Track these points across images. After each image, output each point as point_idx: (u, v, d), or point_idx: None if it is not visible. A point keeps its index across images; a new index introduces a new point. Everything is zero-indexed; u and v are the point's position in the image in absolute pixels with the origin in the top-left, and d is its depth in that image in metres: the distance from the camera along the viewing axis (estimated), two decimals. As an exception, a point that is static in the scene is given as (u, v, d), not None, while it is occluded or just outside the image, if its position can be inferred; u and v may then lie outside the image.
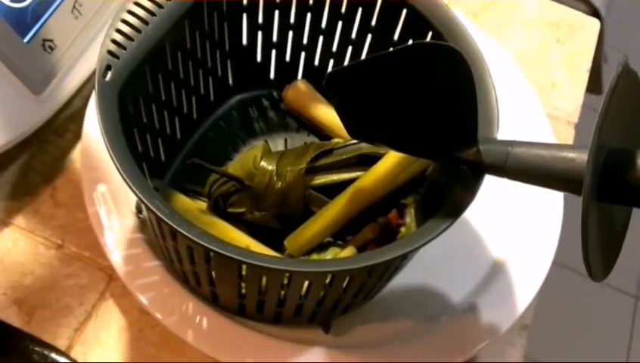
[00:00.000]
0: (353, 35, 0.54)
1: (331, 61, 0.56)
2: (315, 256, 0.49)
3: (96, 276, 0.52)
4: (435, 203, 0.43)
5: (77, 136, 0.56)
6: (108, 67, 0.43)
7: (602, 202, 0.34)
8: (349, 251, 0.48)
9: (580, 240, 0.33)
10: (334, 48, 0.55)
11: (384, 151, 0.49)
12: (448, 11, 0.48)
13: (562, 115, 0.64)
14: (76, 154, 0.57)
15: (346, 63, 0.56)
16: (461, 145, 0.40)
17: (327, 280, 0.42)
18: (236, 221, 0.50)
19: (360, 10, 0.52)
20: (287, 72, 0.58)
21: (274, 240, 0.49)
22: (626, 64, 0.33)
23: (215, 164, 0.53)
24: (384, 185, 0.49)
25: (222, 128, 0.58)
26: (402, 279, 0.50)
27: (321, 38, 0.55)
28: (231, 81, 0.58)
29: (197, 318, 0.48)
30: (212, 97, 0.57)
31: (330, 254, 0.49)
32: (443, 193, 0.42)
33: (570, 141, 0.63)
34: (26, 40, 0.51)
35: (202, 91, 0.55)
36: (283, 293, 0.44)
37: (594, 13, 0.73)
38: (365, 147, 0.50)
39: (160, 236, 0.44)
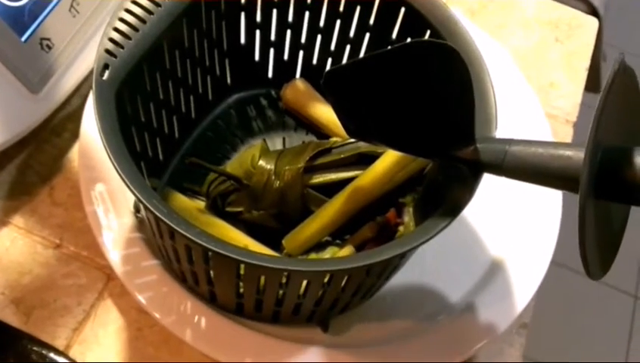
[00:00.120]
0: (351, 34, 0.54)
1: (329, 60, 0.56)
2: (313, 255, 0.49)
3: (94, 275, 0.51)
4: (433, 201, 0.42)
5: (75, 135, 0.56)
6: (106, 66, 0.43)
7: (600, 200, 0.34)
8: (347, 250, 0.48)
9: (578, 239, 0.33)
10: (332, 47, 0.55)
11: (382, 150, 0.49)
12: (446, 10, 0.48)
13: (561, 114, 0.64)
14: (74, 153, 0.56)
15: (344, 61, 0.56)
16: (458, 144, 0.40)
17: (326, 280, 0.42)
18: (234, 220, 0.50)
19: (358, 8, 0.52)
20: (285, 71, 0.58)
21: (272, 240, 0.49)
22: (623, 62, 0.33)
23: (214, 163, 0.53)
24: (383, 184, 0.49)
25: (220, 127, 0.57)
26: (400, 278, 0.50)
27: (319, 37, 0.55)
28: (229, 80, 0.58)
29: (196, 317, 0.48)
30: (210, 96, 0.57)
31: (328, 253, 0.49)
32: (442, 192, 0.42)
33: (568, 139, 0.63)
34: (23, 39, 0.51)
35: (200, 90, 0.55)
36: (281, 292, 0.44)
37: (593, 12, 0.74)
38: (364, 146, 0.50)
39: (158, 235, 0.44)
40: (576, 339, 1.27)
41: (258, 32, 0.56)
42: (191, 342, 0.47)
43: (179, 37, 0.49)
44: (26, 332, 0.49)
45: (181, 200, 0.51)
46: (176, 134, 0.54)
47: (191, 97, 0.54)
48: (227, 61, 0.57)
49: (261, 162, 0.50)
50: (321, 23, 0.54)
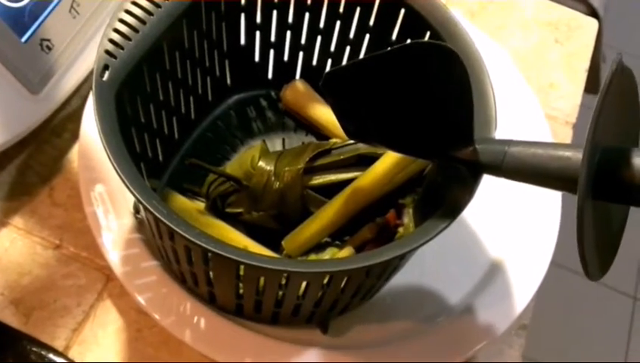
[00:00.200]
0: (351, 35, 0.54)
1: (329, 61, 0.56)
2: (313, 257, 0.49)
3: (94, 276, 0.51)
4: (433, 203, 0.42)
5: (75, 136, 0.56)
6: (106, 67, 0.43)
7: (598, 200, 0.34)
8: (347, 251, 0.48)
9: (577, 239, 0.33)
10: (332, 48, 0.55)
11: (382, 151, 0.49)
12: (446, 11, 0.48)
13: (560, 115, 0.64)
14: (74, 154, 0.56)
15: (344, 63, 0.56)
16: (457, 145, 0.40)
17: (325, 281, 0.42)
18: (234, 221, 0.50)
19: (358, 10, 0.52)
20: (285, 72, 0.58)
21: (272, 241, 0.49)
22: (620, 62, 0.33)
23: (213, 164, 0.53)
24: (382, 185, 0.49)
25: (220, 128, 0.57)
26: (400, 279, 0.50)
27: (319, 38, 0.55)
28: (229, 81, 0.58)
29: (195, 318, 0.48)
30: (210, 97, 0.57)
31: (328, 254, 0.49)
32: (441, 194, 0.42)
33: (568, 141, 0.63)
34: (23, 40, 0.51)
35: (200, 90, 0.55)
36: (281, 293, 0.44)
37: (593, 13, 0.73)
38: (363, 147, 0.50)
39: (157, 236, 0.44)
40: (576, 340, 1.27)
41: (258, 33, 0.56)
42: (190, 343, 0.47)
43: (179, 38, 0.49)
44: (25, 333, 0.49)
45: (180, 201, 0.51)
46: (176, 135, 0.54)
47: (191, 98, 0.54)
48: (227, 62, 0.57)
49: (261, 163, 0.50)
50: (321, 24, 0.54)
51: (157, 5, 0.46)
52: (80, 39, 0.55)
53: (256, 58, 0.58)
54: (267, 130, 0.58)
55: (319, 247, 0.50)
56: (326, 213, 0.49)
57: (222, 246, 0.38)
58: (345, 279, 0.43)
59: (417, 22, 0.48)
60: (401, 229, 0.49)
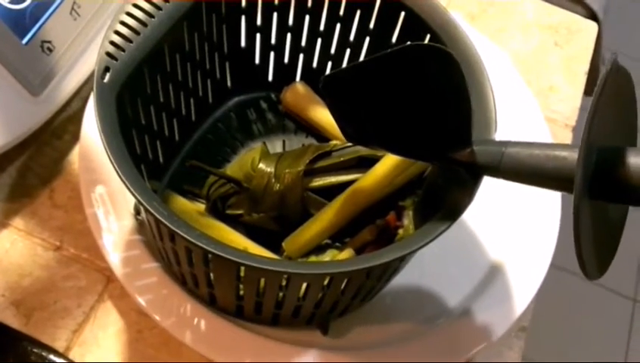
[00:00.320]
0: (351, 38, 0.54)
1: (329, 63, 0.56)
2: (313, 258, 0.49)
3: (94, 277, 0.52)
4: (433, 205, 0.43)
5: (75, 138, 0.57)
6: (107, 69, 0.43)
7: (596, 200, 0.34)
8: (347, 253, 0.48)
9: (573, 238, 0.33)
10: (333, 51, 0.55)
11: (382, 153, 0.49)
12: (446, 14, 0.48)
13: (560, 118, 0.65)
14: (75, 156, 0.57)
15: (344, 65, 0.56)
16: (455, 146, 0.40)
17: (326, 282, 0.43)
18: (234, 223, 0.50)
19: (358, 12, 0.52)
20: (285, 75, 0.58)
21: (272, 242, 0.49)
22: (615, 62, 0.33)
23: (214, 166, 0.53)
24: (382, 187, 0.49)
25: (221, 130, 0.58)
26: (400, 281, 0.50)
27: (319, 41, 0.55)
28: (229, 83, 0.58)
29: (195, 319, 0.48)
30: (210, 99, 0.57)
31: (328, 256, 0.49)
32: (441, 196, 0.42)
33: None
34: (24, 41, 0.51)
35: (200, 93, 0.55)
36: (281, 294, 0.44)
37: (592, 16, 0.74)
38: (364, 149, 0.50)
39: (158, 238, 0.44)
40: (575, 342, 1.27)
41: (258, 35, 0.56)
42: (190, 345, 0.47)
43: (180, 40, 0.49)
44: (26, 334, 0.49)
45: (181, 203, 0.51)
46: (176, 137, 0.54)
47: (192, 100, 0.54)
48: (227, 64, 0.57)
49: (261, 165, 0.50)
50: (322, 27, 0.54)
51: (158, 7, 0.46)
52: (81, 41, 0.55)
53: (257, 60, 0.58)
54: (267, 132, 0.58)
55: (319, 249, 0.50)
56: (326, 215, 0.49)
57: (223, 247, 0.38)
58: (345, 281, 0.43)
59: (417, 25, 0.49)
60: (401, 231, 0.49)
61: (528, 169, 0.37)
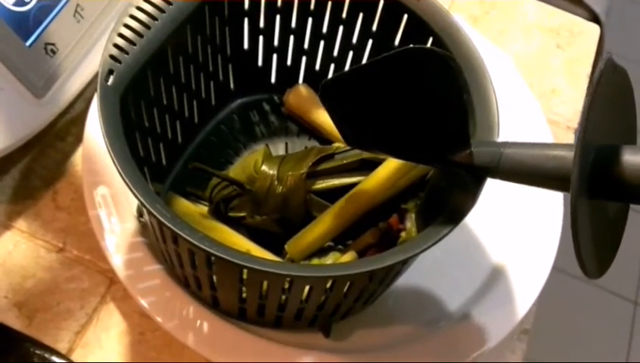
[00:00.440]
0: (354, 40, 0.54)
1: (332, 66, 0.57)
2: (315, 261, 0.49)
3: (97, 279, 0.52)
4: (436, 208, 0.43)
5: (79, 140, 0.57)
6: (110, 71, 0.43)
7: (595, 199, 0.34)
8: (349, 256, 0.48)
9: (572, 237, 0.33)
10: (335, 53, 0.55)
11: (385, 156, 0.49)
12: (448, 17, 0.48)
13: (562, 120, 0.65)
14: (78, 158, 0.57)
15: (347, 67, 0.56)
16: (454, 148, 0.40)
17: (328, 285, 0.43)
18: (237, 225, 0.50)
19: (361, 15, 0.52)
20: (288, 77, 0.59)
21: (274, 245, 0.50)
22: (610, 61, 0.33)
23: (217, 168, 0.53)
24: (385, 190, 0.49)
25: (223, 132, 0.58)
26: (402, 284, 0.50)
27: (322, 43, 0.55)
28: (232, 85, 0.58)
29: (198, 322, 0.48)
30: (213, 101, 0.57)
31: (330, 259, 0.49)
32: (444, 199, 0.42)
33: (569, 146, 0.63)
34: (28, 43, 0.51)
35: (203, 95, 0.55)
36: (284, 297, 0.44)
37: (594, 19, 0.74)
38: (366, 152, 0.50)
39: (161, 240, 0.45)
40: (577, 344, 1.27)
41: (261, 37, 0.56)
42: (193, 347, 0.47)
43: (183, 43, 0.49)
44: (28, 335, 0.49)
45: (183, 205, 0.51)
46: (179, 139, 0.55)
47: (195, 102, 0.55)
48: (230, 66, 0.57)
49: (264, 168, 0.50)
50: (324, 29, 0.54)
51: (162, 10, 0.46)
52: (84, 43, 0.55)
53: (260, 63, 0.58)
54: (270, 134, 0.58)
55: (322, 251, 0.50)
56: (329, 217, 0.49)
57: (226, 250, 0.38)
58: (348, 283, 0.43)
59: (419, 27, 0.49)
60: (403, 234, 0.49)
61: (527, 169, 0.37)
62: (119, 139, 0.41)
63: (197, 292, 0.48)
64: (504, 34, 0.69)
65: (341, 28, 0.53)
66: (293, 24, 0.54)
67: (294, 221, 0.50)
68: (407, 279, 0.50)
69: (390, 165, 0.49)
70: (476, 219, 0.52)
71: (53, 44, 0.53)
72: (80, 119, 0.57)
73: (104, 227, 0.50)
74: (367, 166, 0.50)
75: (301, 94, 0.58)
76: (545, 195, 0.55)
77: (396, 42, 0.51)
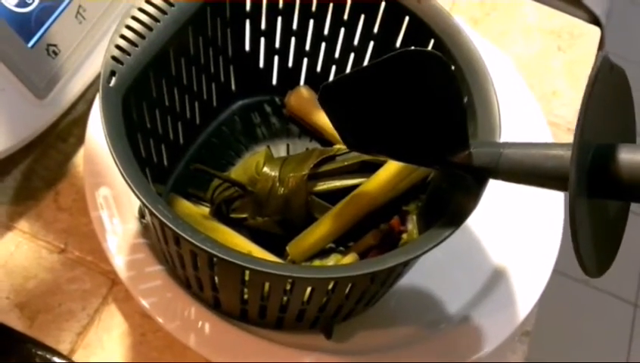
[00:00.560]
0: (355, 42, 0.54)
1: (333, 68, 0.57)
2: (317, 262, 0.49)
3: (99, 280, 0.52)
4: (437, 210, 0.43)
5: (80, 141, 0.57)
6: (112, 73, 0.43)
7: (594, 198, 0.34)
8: (350, 257, 0.48)
9: (571, 236, 0.33)
10: (337, 55, 0.55)
11: (386, 158, 0.49)
12: (450, 19, 0.48)
13: (563, 122, 0.65)
14: (79, 159, 0.57)
15: (348, 69, 0.56)
16: (453, 150, 0.40)
17: (330, 287, 0.43)
18: (238, 226, 0.50)
19: (362, 17, 0.52)
20: (289, 78, 0.59)
21: (276, 246, 0.50)
22: (606, 59, 0.33)
23: (218, 169, 0.53)
24: (386, 192, 0.49)
25: (225, 134, 0.58)
26: (403, 285, 0.50)
27: (323, 45, 0.55)
28: (233, 86, 0.58)
29: (200, 322, 0.48)
30: (214, 103, 0.57)
31: (332, 260, 0.49)
32: (446, 200, 0.43)
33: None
34: (30, 45, 0.51)
35: (205, 96, 0.55)
36: (285, 298, 0.44)
37: (595, 21, 0.74)
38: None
39: (163, 241, 0.45)
40: (577, 346, 1.27)
41: (263, 39, 0.56)
42: (194, 348, 0.47)
43: (185, 44, 0.49)
44: (30, 336, 0.49)
45: (185, 206, 0.51)
46: (181, 141, 0.55)
47: (196, 104, 0.55)
48: (232, 68, 0.57)
49: (265, 169, 0.50)
50: (326, 31, 0.54)
51: (163, 12, 0.46)
52: (86, 44, 0.55)
53: (261, 64, 0.58)
54: (271, 136, 0.58)
55: (323, 253, 0.50)
56: (330, 219, 0.49)
57: (228, 251, 0.38)
58: (349, 285, 0.43)
59: (421, 29, 0.49)
60: (405, 236, 0.49)
61: (526, 169, 0.37)
62: (121, 140, 0.41)
63: (199, 293, 0.48)
64: (504, 36, 0.69)
65: (342, 30, 0.54)
66: (295, 26, 0.55)
67: (296, 222, 0.50)
68: (408, 281, 0.50)
69: (392, 167, 0.49)
70: (477, 221, 0.53)
71: (55, 45, 0.53)
72: (82, 120, 0.57)
73: (106, 228, 0.50)
74: (368, 168, 0.50)
75: (302, 96, 0.58)
76: (546, 198, 0.55)
77: (398, 44, 0.52)
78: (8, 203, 0.54)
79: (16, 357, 0.48)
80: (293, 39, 0.56)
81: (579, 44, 0.70)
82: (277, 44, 0.56)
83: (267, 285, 0.43)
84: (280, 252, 0.49)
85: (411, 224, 0.49)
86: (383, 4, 0.50)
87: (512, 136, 0.50)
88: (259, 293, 0.44)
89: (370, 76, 0.39)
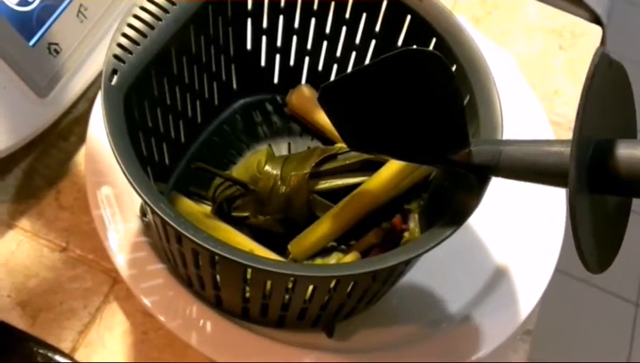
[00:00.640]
0: (357, 41, 0.54)
1: (335, 66, 0.57)
2: (318, 261, 0.49)
3: (100, 279, 0.52)
4: (439, 208, 0.43)
5: (82, 139, 0.57)
6: (114, 71, 0.43)
7: (594, 194, 0.34)
8: (352, 256, 0.48)
9: (572, 231, 0.33)
10: (338, 54, 0.55)
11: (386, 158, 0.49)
12: (451, 17, 0.48)
13: (565, 121, 0.65)
14: (81, 157, 0.57)
15: (350, 68, 0.56)
16: (454, 148, 0.40)
17: (332, 285, 0.43)
18: (240, 225, 0.50)
19: (364, 16, 0.52)
20: (290, 77, 0.59)
21: (278, 245, 0.50)
22: (604, 55, 0.33)
23: (219, 168, 0.53)
24: (388, 190, 0.49)
25: (226, 132, 0.58)
26: (405, 284, 0.50)
27: (325, 44, 0.55)
28: (235, 85, 0.58)
29: (201, 321, 0.48)
30: (216, 102, 0.57)
31: (333, 259, 0.49)
32: (448, 199, 0.43)
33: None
34: (31, 43, 0.51)
35: (206, 95, 0.55)
36: (287, 297, 0.44)
37: (596, 20, 0.74)
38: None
39: (164, 239, 0.45)
40: (579, 345, 1.27)
41: (264, 37, 0.56)
42: (196, 346, 0.47)
43: (187, 43, 0.49)
44: (31, 334, 0.49)
45: (187, 205, 0.51)
46: (182, 139, 0.55)
47: (198, 103, 0.55)
48: (233, 67, 0.57)
49: (267, 168, 0.50)
50: (327, 30, 0.54)
51: (165, 10, 0.46)
52: (88, 43, 0.55)
53: (262, 63, 0.58)
54: (273, 134, 0.58)
55: (325, 252, 0.50)
56: (332, 218, 0.49)
57: (230, 249, 0.38)
58: (351, 283, 0.43)
59: (422, 28, 0.49)
60: (407, 234, 0.49)
61: (526, 165, 0.37)
62: (123, 139, 0.41)
63: (201, 291, 0.48)
64: (506, 35, 0.69)
65: (344, 28, 0.54)
66: (296, 24, 0.54)
67: (297, 221, 0.50)
68: (410, 279, 0.50)
69: (393, 166, 0.49)
70: (479, 220, 0.53)
71: (56, 43, 0.53)
72: (83, 119, 0.57)
73: (107, 226, 0.50)
74: (370, 167, 0.50)
75: (304, 95, 0.58)
76: (548, 196, 0.55)
77: (399, 43, 0.52)
78: (10, 201, 0.54)
79: (17, 356, 0.48)
80: (294, 38, 0.56)
81: (580, 44, 0.70)
82: (278, 43, 0.56)
83: (269, 283, 0.43)
84: (281, 250, 0.49)
85: (413, 223, 0.49)
86: (385, 2, 0.50)
87: (514, 135, 0.50)
88: (261, 292, 0.44)
89: (369, 75, 0.39)
